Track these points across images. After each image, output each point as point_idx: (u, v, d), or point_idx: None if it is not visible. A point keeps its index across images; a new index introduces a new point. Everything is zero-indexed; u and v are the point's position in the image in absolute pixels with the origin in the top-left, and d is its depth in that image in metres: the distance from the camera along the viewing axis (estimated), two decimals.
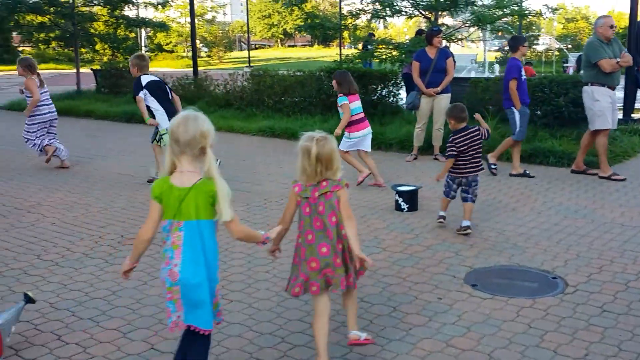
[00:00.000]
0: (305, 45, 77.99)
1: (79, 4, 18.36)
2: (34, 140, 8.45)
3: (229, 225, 2.74)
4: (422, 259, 4.84)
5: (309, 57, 51.29)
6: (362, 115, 7.06)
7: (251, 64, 36.78)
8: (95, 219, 6.05)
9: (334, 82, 7.11)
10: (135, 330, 3.69)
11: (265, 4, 78.11)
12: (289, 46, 79.87)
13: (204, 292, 2.71)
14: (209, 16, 53.37)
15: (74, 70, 19.06)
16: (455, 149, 5.35)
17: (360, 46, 16.85)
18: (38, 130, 8.45)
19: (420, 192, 6.35)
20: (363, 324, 3.66)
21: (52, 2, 17.70)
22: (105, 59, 29.74)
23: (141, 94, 7.27)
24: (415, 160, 8.82)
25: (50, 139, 8.55)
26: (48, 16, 18.17)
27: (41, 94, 8.37)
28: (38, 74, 8.49)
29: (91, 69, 19.11)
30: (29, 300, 3.50)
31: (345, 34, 19.25)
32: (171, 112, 7.13)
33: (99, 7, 19.60)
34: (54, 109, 8.65)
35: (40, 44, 24.81)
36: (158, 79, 7.56)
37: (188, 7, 44.54)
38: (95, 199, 6.84)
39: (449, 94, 8.79)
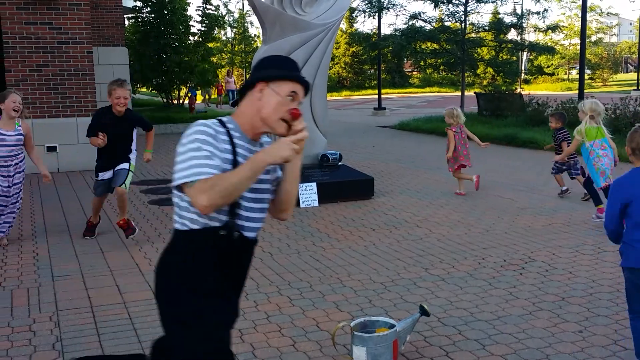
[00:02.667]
0: None
1: (469, 31, 19.15)
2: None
3: None
4: None
5: None
6: None
7: None
8: (477, 240, 6.14)
9: None
10: None
11: None
12: None
13: None
14: (594, 38, 50.58)
15: (456, 93, 19.97)
16: None
17: None
18: None
19: None
20: None
21: (445, 30, 18.82)
22: (485, 82, 30.47)
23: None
24: None
25: None
26: (441, 43, 19.37)
27: None
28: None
29: (475, 93, 19.71)
30: (424, 312, 3.69)
31: None
32: None
33: (486, 32, 20.14)
34: None
35: (427, 69, 26.63)
36: None
37: (573, 29, 42.66)
38: (476, 220, 6.96)
39: None
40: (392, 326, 3.46)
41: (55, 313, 4.33)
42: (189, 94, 22.89)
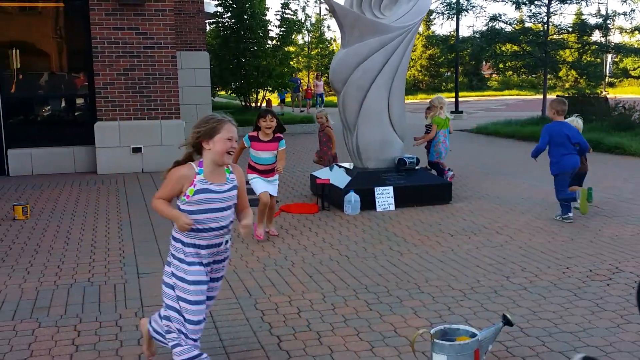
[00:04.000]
0: None
1: (552, 33, 18.58)
2: None
3: None
4: None
5: None
6: None
7: None
8: (561, 248, 5.94)
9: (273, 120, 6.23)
10: None
11: None
12: None
13: None
14: None
15: (536, 96, 19.39)
16: None
17: None
18: None
19: None
20: None
21: (527, 31, 18.32)
22: (567, 85, 29.45)
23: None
24: None
25: None
26: (522, 45, 18.88)
27: None
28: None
29: (557, 96, 19.08)
30: (507, 322, 3.59)
31: None
32: None
33: (569, 34, 19.48)
34: None
35: (507, 72, 25.99)
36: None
37: None
38: (560, 227, 6.74)
39: None
40: (473, 335, 3.39)
41: (140, 309, 4.48)
42: (277, 96, 23.19)
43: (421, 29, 49.34)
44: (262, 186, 6.25)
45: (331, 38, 47.29)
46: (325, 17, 45.50)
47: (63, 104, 11.74)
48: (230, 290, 4.87)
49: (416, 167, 8.20)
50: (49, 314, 4.41)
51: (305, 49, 43.19)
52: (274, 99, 30.86)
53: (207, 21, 20.53)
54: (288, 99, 30.16)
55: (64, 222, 7.29)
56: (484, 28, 19.26)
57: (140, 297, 4.72)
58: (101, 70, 10.74)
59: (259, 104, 23.06)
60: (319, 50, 43.51)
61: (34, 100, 11.46)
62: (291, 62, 24.56)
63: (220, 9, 21.46)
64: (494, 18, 19.02)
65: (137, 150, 10.95)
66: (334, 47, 45.73)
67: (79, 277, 5.24)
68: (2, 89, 10.80)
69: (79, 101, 11.69)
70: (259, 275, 5.25)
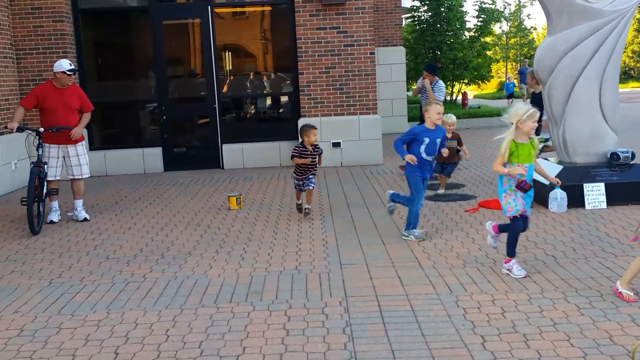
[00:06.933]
0: None
1: None
2: None
3: None
4: None
5: None
6: None
7: None
8: None
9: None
10: None
11: None
12: None
13: None
14: None
15: None
16: None
17: None
18: None
19: None
20: None
21: None
22: None
23: None
24: None
25: None
26: None
27: None
28: None
29: None
30: None
31: None
32: None
33: None
34: None
35: None
36: None
37: None
38: None
39: None
40: None
41: (344, 299, 4.64)
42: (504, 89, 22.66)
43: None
44: None
45: (531, 27, 45.03)
46: (525, 4, 43.46)
47: (269, 102, 12.51)
48: (430, 285, 4.86)
49: (631, 162, 7.53)
50: (261, 299, 4.74)
51: (503, 38, 41.60)
52: (479, 88, 29.93)
53: (403, 16, 20.62)
54: (517, 90, 28.99)
55: (272, 213, 7.77)
56: None
57: (344, 287, 4.88)
58: (305, 69, 11.28)
59: (454, 97, 22.70)
60: (518, 39, 41.65)
61: (244, 99, 12.35)
62: (488, 53, 23.85)
63: (417, 2, 21.46)
64: None
65: (336, 145, 11.34)
66: (534, 36, 43.48)
67: (287, 265, 5.56)
68: (217, 90, 11.78)
69: (284, 99, 12.38)
70: (459, 272, 5.17)
